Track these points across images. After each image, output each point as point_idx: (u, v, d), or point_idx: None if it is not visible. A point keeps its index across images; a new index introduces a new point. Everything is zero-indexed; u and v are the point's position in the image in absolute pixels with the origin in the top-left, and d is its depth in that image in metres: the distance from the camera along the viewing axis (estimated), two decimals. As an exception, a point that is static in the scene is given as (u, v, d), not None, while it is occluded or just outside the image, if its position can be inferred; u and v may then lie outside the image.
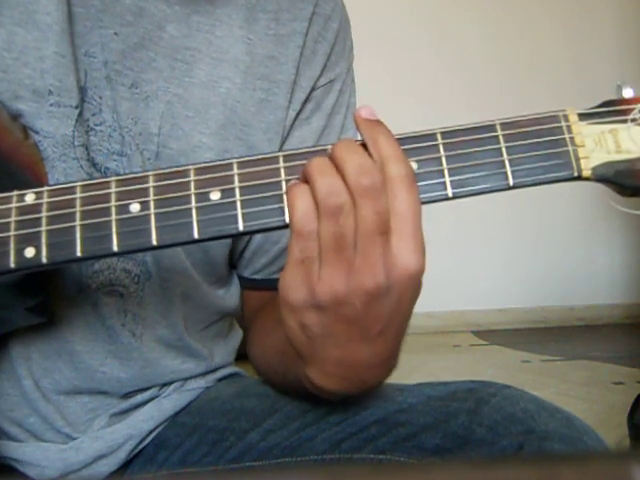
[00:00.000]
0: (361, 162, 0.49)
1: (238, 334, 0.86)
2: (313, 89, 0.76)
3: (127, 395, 0.74)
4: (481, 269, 2.99)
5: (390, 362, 0.55)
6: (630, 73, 2.92)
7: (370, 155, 0.51)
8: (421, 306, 0.53)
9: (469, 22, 2.95)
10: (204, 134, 0.70)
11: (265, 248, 0.78)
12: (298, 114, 0.75)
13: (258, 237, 0.77)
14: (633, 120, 0.53)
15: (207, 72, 0.70)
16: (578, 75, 2.97)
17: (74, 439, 0.72)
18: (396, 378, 0.63)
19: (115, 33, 0.67)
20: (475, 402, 0.60)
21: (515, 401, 0.60)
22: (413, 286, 0.50)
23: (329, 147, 0.52)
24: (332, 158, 0.50)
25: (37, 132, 0.65)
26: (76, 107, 0.66)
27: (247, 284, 0.82)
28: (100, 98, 0.67)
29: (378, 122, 0.52)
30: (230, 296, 0.81)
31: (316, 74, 0.76)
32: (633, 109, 0.53)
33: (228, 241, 0.75)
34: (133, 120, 0.68)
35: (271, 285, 0.78)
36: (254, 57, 0.72)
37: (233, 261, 0.81)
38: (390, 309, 0.50)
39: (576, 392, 2.03)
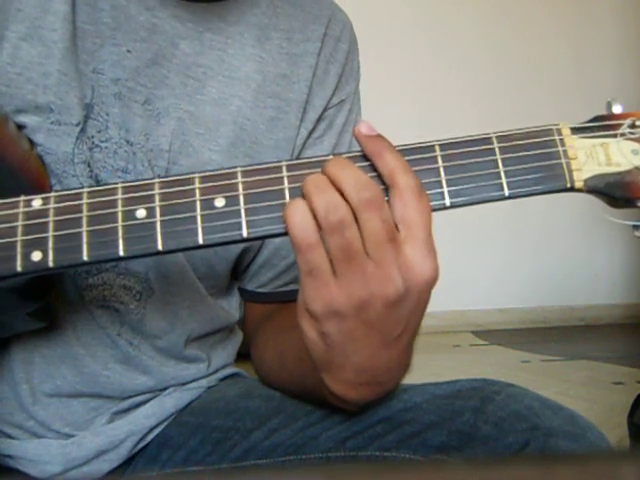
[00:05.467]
0: (358, 177, 0.50)
1: (238, 336, 0.87)
2: (325, 109, 0.77)
3: (129, 396, 0.75)
4: (481, 269, 2.99)
5: (406, 363, 0.57)
6: (630, 74, 2.93)
7: (375, 169, 0.52)
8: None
9: (469, 23, 2.96)
10: (214, 151, 0.71)
11: (272, 262, 0.78)
12: (311, 133, 0.76)
13: (265, 252, 0.78)
14: (622, 134, 0.54)
15: (218, 90, 0.71)
16: (578, 76, 2.98)
17: (75, 436, 0.72)
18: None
19: (128, 50, 0.68)
20: (480, 400, 0.61)
21: (519, 399, 0.61)
22: (428, 290, 0.52)
23: (330, 158, 0.53)
24: (327, 175, 0.51)
25: (39, 146, 0.65)
26: (77, 124, 0.66)
27: (251, 297, 0.82)
28: (107, 115, 0.67)
29: (379, 136, 0.53)
30: (231, 307, 0.82)
31: (328, 94, 0.77)
32: (622, 124, 0.55)
33: (232, 256, 0.76)
34: (145, 136, 0.68)
35: (278, 298, 0.79)
36: (266, 75, 0.73)
37: (237, 274, 0.81)
38: (408, 313, 0.52)
39: (576, 392, 2.02)
